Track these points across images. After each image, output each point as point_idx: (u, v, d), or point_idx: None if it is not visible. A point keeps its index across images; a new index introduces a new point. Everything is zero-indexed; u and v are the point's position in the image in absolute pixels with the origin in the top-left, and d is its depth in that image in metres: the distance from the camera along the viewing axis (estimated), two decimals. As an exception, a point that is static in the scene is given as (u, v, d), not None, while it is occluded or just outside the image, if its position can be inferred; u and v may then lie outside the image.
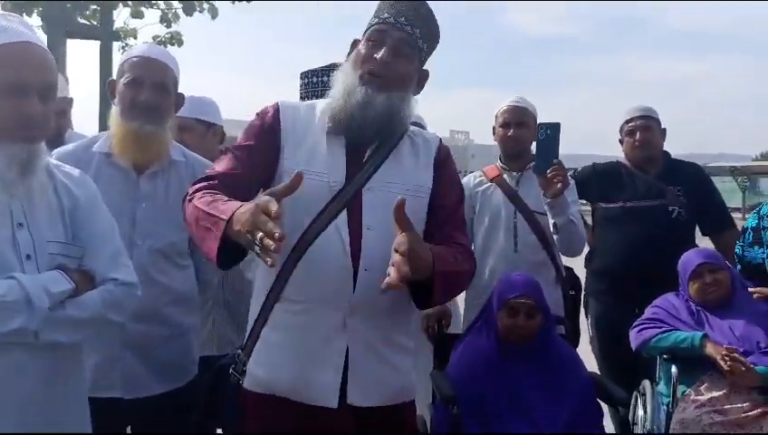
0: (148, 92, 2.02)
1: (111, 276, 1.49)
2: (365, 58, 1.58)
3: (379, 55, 1.56)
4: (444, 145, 1.74)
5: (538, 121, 2.70)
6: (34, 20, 5.14)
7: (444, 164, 1.69)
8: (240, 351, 1.64)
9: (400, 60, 1.58)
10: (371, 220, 1.54)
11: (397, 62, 1.58)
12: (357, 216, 1.54)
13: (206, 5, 5.48)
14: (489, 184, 2.83)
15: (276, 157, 1.60)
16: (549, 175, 2.37)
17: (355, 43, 1.66)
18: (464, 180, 3.00)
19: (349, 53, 1.66)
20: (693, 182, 3.08)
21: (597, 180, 3.19)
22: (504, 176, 2.83)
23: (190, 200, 1.51)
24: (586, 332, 3.17)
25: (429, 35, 1.64)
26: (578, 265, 3.02)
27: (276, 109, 1.63)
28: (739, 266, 2.84)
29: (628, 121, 3.16)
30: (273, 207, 1.24)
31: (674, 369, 2.55)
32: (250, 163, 1.59)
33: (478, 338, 2.36)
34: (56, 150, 2.14)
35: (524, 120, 2.78)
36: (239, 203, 1.38)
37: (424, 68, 1.69)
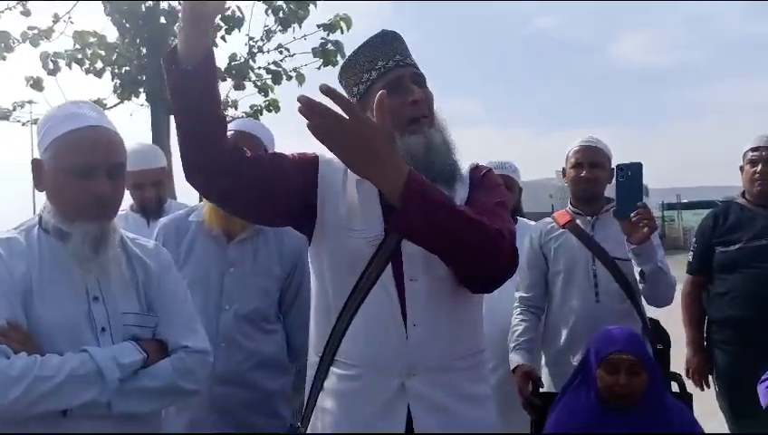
0: None
1: (183, 344, 1.50)
2: (398, 108, 1.46)
3: (413, 97, 1.49)
4: (479, 167, 1.62)
5: (614, 162, 2.52)
6: (141, 99, 5.60)
7: (477, 184, 1.57)
8: (299, 425, 1.58)
9: (424, 90, 1.54)
10: (413, 271, 1.45)
11: (426, 95, 1.53)
12: (400, 268, 1.46)
13: (293, 73, 5.71)
14: (561, 230, 2.63)
15: (306, 199, 1.50)
16: (634, 219, 2.18)
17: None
18: (532, 227, 2.82)
19: None
20: None
21: (713, 225, 2.94)
22: (577, 221, 2.62)
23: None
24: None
25: (409, 51, 1.58)
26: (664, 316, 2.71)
27: (315, 161, 1.54)
28: None
29: (753, 150, 2.89)
30: None
31: (813, 430, 2.22)
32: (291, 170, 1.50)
33: (577, 398, 2.17)
34: (160, 220, 2.29)
35: (598, 161, 2.59)
36: None
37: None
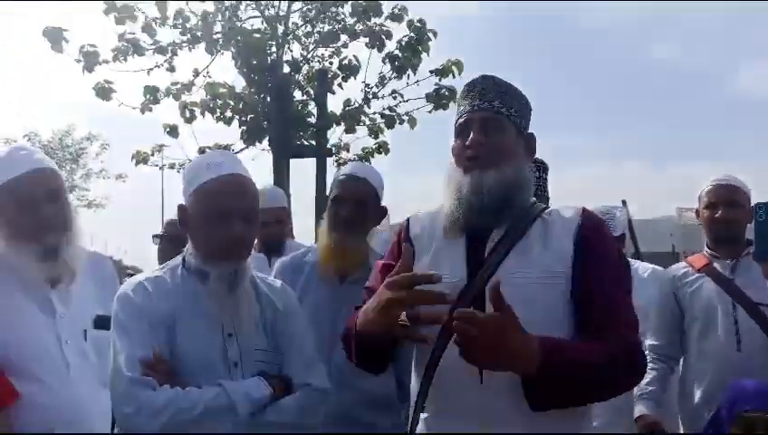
0: (348, 209, 2.21)
1: (307, 382, 1.58)
2: (458, 150, 1.56)
3: (468, 141, 1.53)
4: (590, 219, 1.54)
5: (752, 201, 2.37)
6: (264, 144, 5.98)
7: (590, 242, 1.49)
8: None
9: (493, 134, 1.54)
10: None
11: (489, 138, 1.53)
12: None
13: (405, 117, 5.88)
14: (697, 275, 2.49)
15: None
16: None
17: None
18: (665, 272, 2.69)
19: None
20: None
21: None
22: (715, 264, 2.47)
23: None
24: None
25: (512, 100, 1.57)
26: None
27: (407, 223, 1.66)
28: None
29: None
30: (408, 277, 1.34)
31: None
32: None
33: (707, 459, 2.02)
34: (279, 260, 2.44)
35: (734, 199, 2.45)
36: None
37: (528, 132, 1.61)
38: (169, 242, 2.74)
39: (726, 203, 2.45)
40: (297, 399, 1.54)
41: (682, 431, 2.51)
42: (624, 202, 3.44)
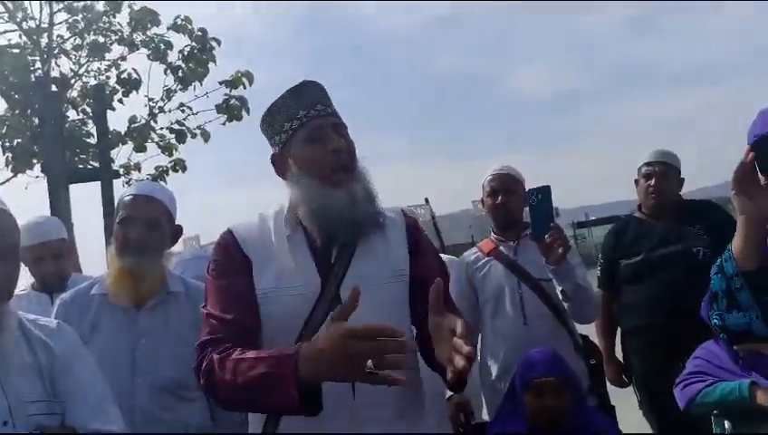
0: (139, 229, 2.03)
1: (92, 427, 1.41)
2: (320, 157, 1.50)
3: (334, 147, 1.50)
4: (409, 216, 1.65)
5: (527, 187, 2.63)
6: (35, 171, 5.36)
7: (416, 240, 1.60)
8: None
9: (345, 139, 1.54)
10: (356, 320, 1.42)
11: (348, 143, 1.54)
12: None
13: (197, 131, 5.66)
14: (487, 259, 2.72)
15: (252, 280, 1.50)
16: (548, 240, 2.27)
17: (277, 158, 1.58)
18: (458, 260, 2.88)
19: (277, 170, 1.58)
20: (712, 219, 2.88)
21: (615, 240, 3.07)
22: (501, 247, 2.71)
23: (219, 367, 1.36)
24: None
25: (331, 100, 1.60)
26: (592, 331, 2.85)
27: (232, 236, 1.54)
28: (723, 335, 2.51)
29: (647, 165, 3.02)
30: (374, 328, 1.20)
31: (727, 425, 2.33)
32: (239, 302, 1.48)
33: (506, 425, 2.20)
34: (60, 298, 2.15)
35: (512, 187, 2.70)
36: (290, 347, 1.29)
37: None
38: None
39: (504, 190, 2.69)
40: None
41: (485, 405, 2.68)
42: (427, 200, 3.61)
